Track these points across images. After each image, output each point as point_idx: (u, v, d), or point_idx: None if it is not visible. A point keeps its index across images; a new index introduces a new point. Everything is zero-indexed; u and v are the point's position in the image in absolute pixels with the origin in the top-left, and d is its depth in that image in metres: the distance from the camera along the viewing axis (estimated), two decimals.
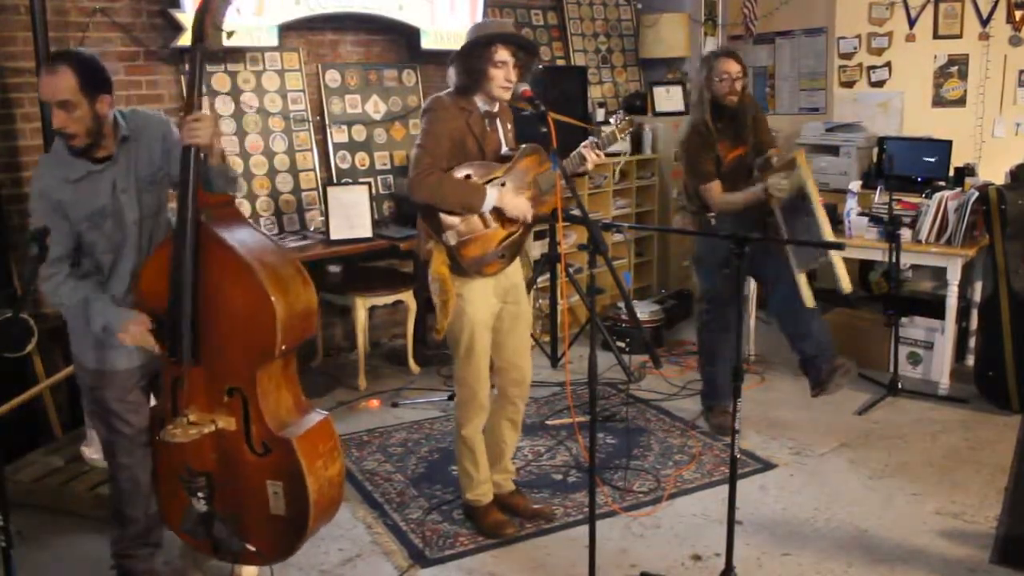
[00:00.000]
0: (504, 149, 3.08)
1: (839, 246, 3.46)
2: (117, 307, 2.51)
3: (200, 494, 2.52)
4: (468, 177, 2.92)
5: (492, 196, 2.92)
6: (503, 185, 2.97)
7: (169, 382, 2.55)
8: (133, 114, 2.58)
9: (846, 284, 3.62)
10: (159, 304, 2.47)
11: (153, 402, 2.74)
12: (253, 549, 2.59)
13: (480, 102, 2.97)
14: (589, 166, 3.07)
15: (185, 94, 2.44)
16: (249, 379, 2.47)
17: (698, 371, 4.31)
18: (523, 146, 3.08)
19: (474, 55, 2.89)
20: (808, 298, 3.70)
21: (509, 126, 3.13)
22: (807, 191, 3.64)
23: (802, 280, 3.71)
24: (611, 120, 3.16)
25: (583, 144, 3.07)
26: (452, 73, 2.97)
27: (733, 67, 3.81)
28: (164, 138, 2.57)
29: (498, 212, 2.98)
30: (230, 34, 2.51)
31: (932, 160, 5.15)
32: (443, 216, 2.91)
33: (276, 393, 2.55)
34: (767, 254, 3.92)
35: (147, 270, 2.54)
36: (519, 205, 2.98)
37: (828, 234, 3.64)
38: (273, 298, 2.39)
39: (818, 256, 3.71)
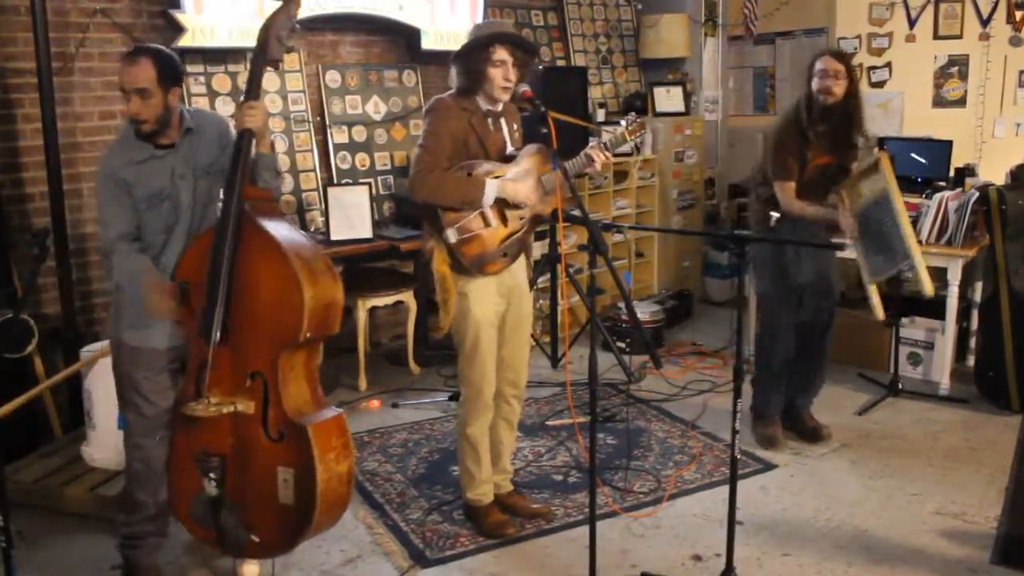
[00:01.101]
0: (509, 149, 3.08)
1: (840, 246, 3.47)
2: (152, 270, 2.65)
3: (212, 475, 2.57)
4: (469, 175, 2.92)
5: (492, 188, 2.93)
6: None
7: (196, 365, 2.64)
8: (197, 112, 2.82)
9: (928, 287, 3.34)
10: (196, 283, 2.61)
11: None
12: (257, 540, 2.61)
13: (482, 102, 2.98)
14: (597, 167, 3.07)
15: (245, 89, 2.72)
16: (272, 363, 2.56)
17: (751, 381, 4.02)
18: (528, 146, 3.08)
19: (473, 55, 2.90)
20: (879, 311, 3.48)
21: (516, 126, 3.13)
22: (890, 197, 3.40)
23: (873, 291, 3.51)
24: (622, 122, 3.15)
25: (591, 145, 3.07)
26: (453, 74, 2.98)
27: (831, 64, 3.60)
28: (221, 135, 2.78)
29: (500, 210, 2.98)
30: (290, 49, 2.74)
31: (932, 160, 5.15)
32: (443, 214, 2.92)
33: (296, 382, 2.64)
34: (816, 261, 3.79)
35: (190, 251, 2.68)
36: (520, 190, 2.98)
37: (913, 244, 3.33)
38: (303, 285, 2.51)
39: (895, 264, 3.42)
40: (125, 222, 2.65)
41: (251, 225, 2.59)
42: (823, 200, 3.72)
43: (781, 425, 3.98)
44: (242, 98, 2.72)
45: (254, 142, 2.63)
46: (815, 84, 3.66)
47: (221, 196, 2.64)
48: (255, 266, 2.57)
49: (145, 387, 2.70)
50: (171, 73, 2.60)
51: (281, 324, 2.55)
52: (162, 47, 2.67)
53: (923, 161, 5.12)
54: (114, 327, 2.76)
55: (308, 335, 2.56)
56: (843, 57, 3.69)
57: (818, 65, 3.66)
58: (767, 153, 3.80)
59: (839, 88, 3.62)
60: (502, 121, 3.06)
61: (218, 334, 2.56)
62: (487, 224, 2.97)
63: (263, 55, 2.64)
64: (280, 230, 2.62)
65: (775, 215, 3.66)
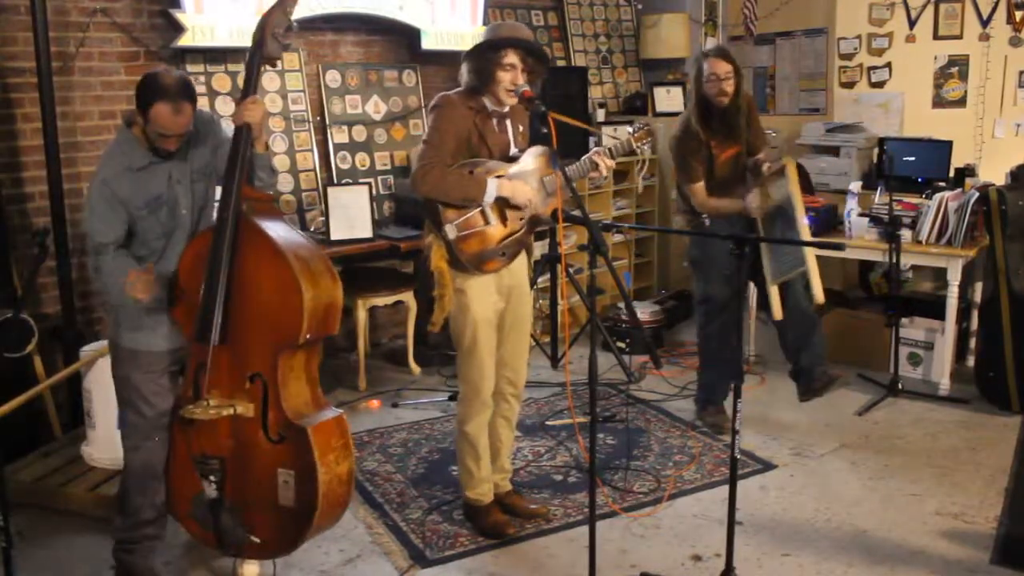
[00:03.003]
0: (513, 150, 3.08)
1: (840, 247, 3.48)
2: (127, 262, 2.63)
3: (212, 477, 2.58)
4: (471, 172, 2.93)
5: (493, 187, 2.93)
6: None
7: (194, 367, 2.64)
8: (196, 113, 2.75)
9: (819, 296, 3.60)
10: (195, 285, 2.61)
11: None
12: (257, 541, 2.62)
13: (488, 102, 2.98)
14: (603, 171, 3.08)
15: (243, 86, 2.73)
16: (272, 365, 2.56)
17: (697, 372, 4.29)
18: (533, 147, 3.08)
19: (484, 56, 2.90)
20: (777, 311, 3.70)
21: (521, 128, 3.13)
22: (792, 201, 3.63)
23: (774, 292, 3.70)
24: (628, 128, 3.15)
25: (594, 150, 3.08)
26: (463, 71, 2.98)
27: (721, 67, 3.73)
28: (214, 135, 2.77)
29: (500, 209, 2.98)
30: (286, 46, 2.72)
31: (932, 161, 5.15)
32: (443, 210, 2.92)
33: (296, 384, 2.64)
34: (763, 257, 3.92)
35: (188, 252, 2.68)
36: (522, 191, 2.98)
37: (808, 251, 3.59)
38: (303, 286, 2.51)
39: (794, 267, 3.67)
40: (117, 230, 2.62)
41: (249, 226, 2.59)
42: (743, 191, 3.85)
43: (724, 409, 4.11)
44: (240, 95, 2.71)
45: (251, 140, 2.62)
46: (708, 89, 3.78)
47: (219, 196, 2.63)
48: (254, 267, 2.57)
49: (145, 389, 2.69)
50: (196, 96, 2.62)
51: (281, 325, 2.55)
52: (184, 75, 2.64)
53: (931, 161, 5.12)
54: (113, 330, 2.76)
55: (308, 336, 2.56)
56: (728, 56, 3.80)
57: (707, 69, 3.77)
58: (674, 164, 3.96)
59: (730, 87, 3.76)
60: (507, 122, 3.06)
61: (217, 335, 2.56)
62: (487, 222, 2.97)
63: (259, 52, 2.64)
64: (279, 231, 2.62)
65: (706, 217, 3.83)
